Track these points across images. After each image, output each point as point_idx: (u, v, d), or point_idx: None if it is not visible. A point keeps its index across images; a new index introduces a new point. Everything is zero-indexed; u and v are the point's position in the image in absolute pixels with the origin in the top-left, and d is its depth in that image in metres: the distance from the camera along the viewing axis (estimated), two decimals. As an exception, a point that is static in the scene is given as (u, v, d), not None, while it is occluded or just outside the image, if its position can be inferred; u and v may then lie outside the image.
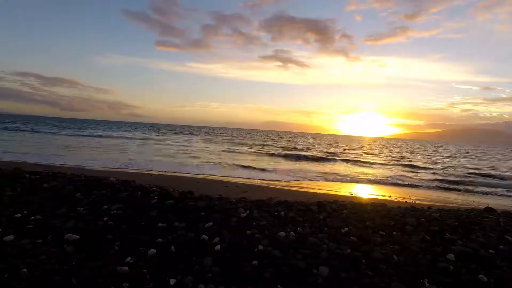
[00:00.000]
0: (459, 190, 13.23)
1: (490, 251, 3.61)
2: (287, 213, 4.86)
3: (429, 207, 6.64)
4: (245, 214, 4.60)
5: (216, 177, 11.90)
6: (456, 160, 30.38)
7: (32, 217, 3.83)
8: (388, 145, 63.01)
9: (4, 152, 15.42)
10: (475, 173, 19.26)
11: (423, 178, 16.23)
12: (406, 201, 8.76)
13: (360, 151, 37.84)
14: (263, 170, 15.50)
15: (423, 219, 4.93)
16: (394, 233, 4.19)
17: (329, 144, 52.39)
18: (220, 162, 17.32)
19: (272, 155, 25.59)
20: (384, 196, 10.28)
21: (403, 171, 19.30)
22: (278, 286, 2.64)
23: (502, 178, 17.64)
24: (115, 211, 4.28)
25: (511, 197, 12.16)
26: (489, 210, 6.54)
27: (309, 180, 13.48)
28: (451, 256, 3.38)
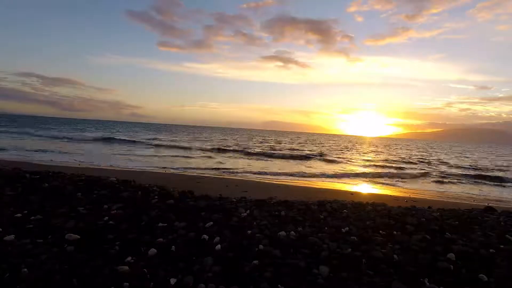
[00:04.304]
0: None
1: (491, 250, 3.61)
2: (288, 213, 4.87)
3: (430, 207, 6.64)
4: (245, 214, 4.61)
5: (216, 177, 11.90)
6: None
7: (33, 217, 3.83)
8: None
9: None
10: None
11: None
12: (406, 201, 8.77)
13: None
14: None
15: (423, 219, 4.93)
16: (395, 232, 4.18)
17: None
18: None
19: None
20: (384, 195, 10.28)
21: None
22: (279, 285, 2.64)
23: None
24: (115, 211, 4.28)
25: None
26: (489, 209, 6.54)
27: (310, 179, 13.49)
28: (451, 255, 3.38)
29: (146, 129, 72.25)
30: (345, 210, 5.38)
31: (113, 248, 3.13)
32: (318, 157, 25.58)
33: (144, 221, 3.97)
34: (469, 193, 12.71)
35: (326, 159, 24.67)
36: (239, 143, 37.79)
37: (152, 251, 3.11)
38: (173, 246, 3.27)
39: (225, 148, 28.59)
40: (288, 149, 32.49)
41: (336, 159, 24.90)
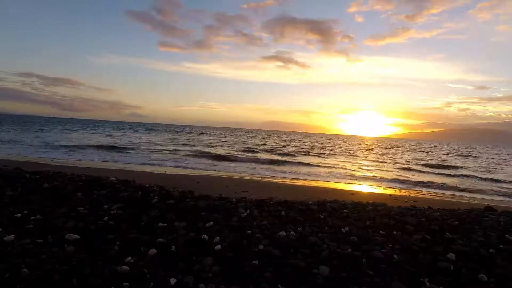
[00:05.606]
0: None
1: (491, 250, 3.61)
2: (288, 213, 4.87)
3: (429, 207, 6.64)
4: (245, 214, 4.61)
5: (216, 176, 11.90)
6: None
7: (33, 217, 3.83)
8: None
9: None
10: None
11: None
12: (406, 201, 8.77)
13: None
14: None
15: (423, 219, 4.93)
16: (395, 232, 4.19)
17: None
18: None
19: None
20: (384, 195, 10.28)
21: None
22: (279, 285, 2.64)
23: None
24: (115, 211, 4.28)
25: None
26: (489, 209, 6.54)
27: (310, 178, 13.48)
28: (451, 255, 3.38)
29: (131, 129, 65.10)
30: (345, 210, 5.39)
31: (113, 248, 3.13)
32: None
33: (144, 221, 3.97)
34: (469, 193, 12.70)
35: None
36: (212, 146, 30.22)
37: (152, 251, 3.11)
38: (173, 246, 3.27)
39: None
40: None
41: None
